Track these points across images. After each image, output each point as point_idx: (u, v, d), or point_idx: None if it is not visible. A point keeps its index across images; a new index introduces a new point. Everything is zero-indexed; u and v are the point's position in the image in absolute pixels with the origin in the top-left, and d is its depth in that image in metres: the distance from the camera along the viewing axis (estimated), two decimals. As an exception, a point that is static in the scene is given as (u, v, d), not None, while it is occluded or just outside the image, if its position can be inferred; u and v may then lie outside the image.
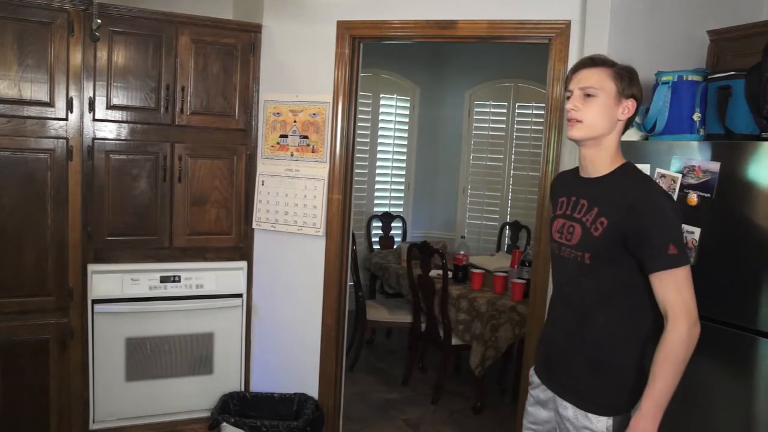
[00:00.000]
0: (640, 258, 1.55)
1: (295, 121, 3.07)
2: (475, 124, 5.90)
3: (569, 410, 1.67)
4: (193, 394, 3.09)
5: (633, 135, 2.38)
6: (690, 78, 2.19)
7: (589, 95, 1.63)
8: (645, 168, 2.17)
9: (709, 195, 1.97)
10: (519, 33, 2.76)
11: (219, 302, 3.09)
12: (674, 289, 1.51)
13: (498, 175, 5.79)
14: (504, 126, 5.76)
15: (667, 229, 1.53)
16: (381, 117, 5.77)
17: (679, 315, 1.50)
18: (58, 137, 2.69)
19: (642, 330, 1.62)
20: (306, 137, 3.06)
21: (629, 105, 1.65)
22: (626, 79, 1.65)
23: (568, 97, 1.68)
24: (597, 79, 1.63)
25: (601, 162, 1.67)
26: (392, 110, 5.84)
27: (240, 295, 3.15)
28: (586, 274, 1.65)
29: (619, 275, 1.60)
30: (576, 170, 1.78)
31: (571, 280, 1.70)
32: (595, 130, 1.64)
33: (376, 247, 5.70)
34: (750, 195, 1.87)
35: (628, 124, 1.69)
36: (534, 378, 1.86)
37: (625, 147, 2.30)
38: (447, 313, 3.74)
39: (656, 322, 1.58)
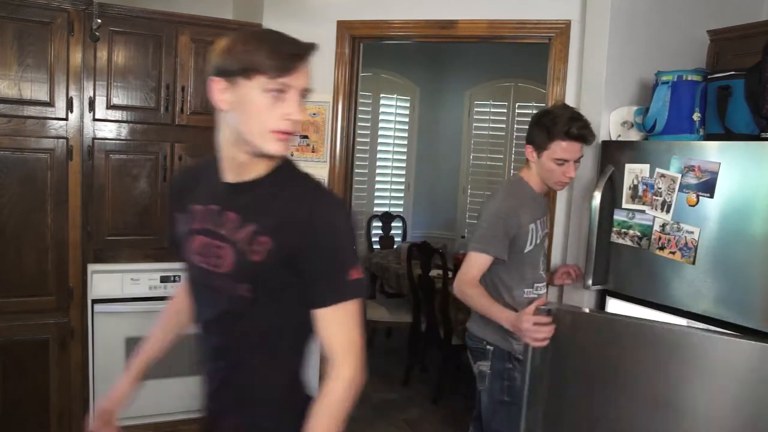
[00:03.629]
0: (311, 287, 1.22)
1: (295, 121, 3.07)
2: (475, 124, 5.90)
3: None
4: (194, 394, 3.08)
5: (633, 135, 2.38)
6: (690, 78, 2.19)
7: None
8: (645, 168, 2.18)
9: (709, 195, 1.97)
10: (519, 33, 2.76)
11: (219, 302, 3.09)
12: (343, 324, 1.23)
13: (498, 175, 5.79)
14: (504, 126, 5.76)
15: (348, 247, 1.24)
16: (381, 117, 5.77)
17: (346, 354, 1.22)
18: (58, 137, 2.69)
19: (300, 379, 1.32)
20: (306, 137, 3.06)
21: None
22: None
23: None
24: None
25: (254, 162, 1.26)
26: (392, 110, 5.85)
27: (240, 295, 3.14)
28: (242, 311, 1.26)
29: (287, 311, 1.26)
30: (209, 168, 1.36)
31: (220, 319, 1.30)
32: None
33: (376, 247, 5.70)
34: (750, 195, 1.87)
35: None
36: None
37: (625, 147, 2.32)
38: (447, 313, 3.74)
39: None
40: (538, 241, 2.14)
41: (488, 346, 2.12)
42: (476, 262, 2.04)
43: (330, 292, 1.22)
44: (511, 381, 2.10)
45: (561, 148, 2.01)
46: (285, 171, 1.28)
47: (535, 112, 2.28)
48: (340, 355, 1.22)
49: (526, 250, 2.10)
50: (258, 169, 1.26)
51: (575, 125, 2.00)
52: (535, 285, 2.16)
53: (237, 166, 1.28)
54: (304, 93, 1.22)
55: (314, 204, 1.21)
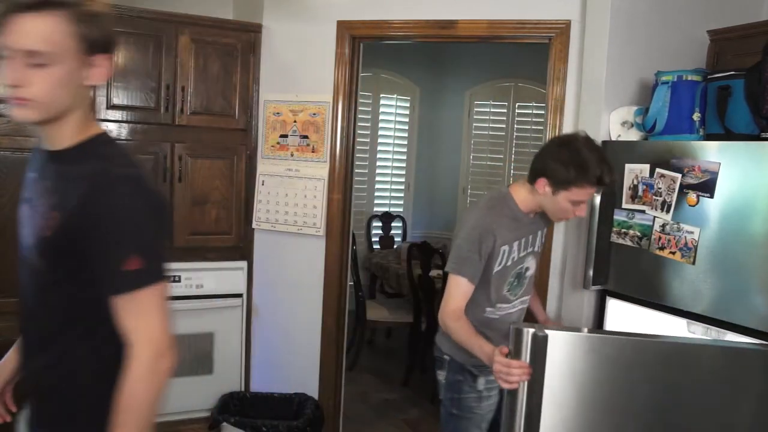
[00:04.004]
0: (95, 272, 1.14)
1: (295, 121, 3.07)
2: (475, 124, 5.90)
3: None
4: (194, 394, 3.09)
5: (633, 135, 2.38)
6: (690, 78, 2.19)
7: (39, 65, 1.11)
8: (645, 168, 2.18)
9: (708, 195, 1.97)
10: (519, 33, 2.76)
11: (219, 302, 3.09)
12: (135, 315, 1.14)
13: (498, 175, 5.79)
14: (504, 126, 5.76)
15: (127, 233, 1.11)
16: (381, 117, 5.77)
17: (140, 344, 1.14)
18: (58, 137, 2.69)
19: (119, 368, 1.17)
20: (306, 137, 3.06)
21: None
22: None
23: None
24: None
25: (47, 130, 1.18)
26: (392, 110, 5.84)
27: (240, 295, 3.15)
28: (43, 288, 1.21)
29: (87, 294, 1.17)
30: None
31: (28, 293, 1.26)
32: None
33: (376, 247, 5.70)
34: (750, 195, 1.87)
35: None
36: None
37: (625, 147, 2.32)
38: (447, 313, 3.74)
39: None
40: (509, 263, 2.00)
41: (445, 356, 2.08)
42: (459, 289, 1.94)
43: (108, 281, 1.12)
44: (460, 394, 2.05)
45: (584, 191, 1.86)
46: (94, 145, 1.19)
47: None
48: (133, 345, 1.14)
49: (494, 271, 1.98)
50: (63, 139, 1.18)
51: (606, 173, 1.84)
52: (498, 305, 2.03)
53: (42, 133, 1.20)
54: (32, 56, 1.06)
55: (102, 182, 1.11)
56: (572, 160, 1.84)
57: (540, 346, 1.50)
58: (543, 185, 1.90)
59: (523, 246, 2.03)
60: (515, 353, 1.54)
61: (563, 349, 1.51)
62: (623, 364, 1.53)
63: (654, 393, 1.52)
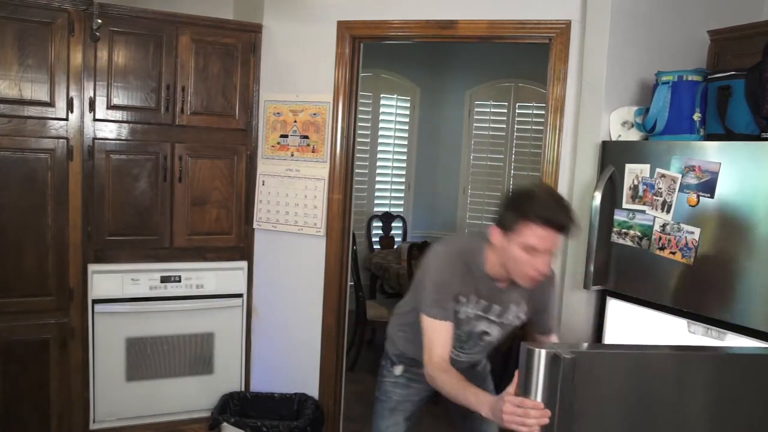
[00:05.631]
0: None
1: (295, 121, 3.07)
2: (475, 124, 5.90)
3: None
4: (194, 394, 3.09)
5: (633, 135, 2.38)
6: (690, 78, 2.19)
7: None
8: (645, 168, 2.18)
9: (709, 195, 1.97)
10: (519, 33, 2.76)
11: (219, 302, 3.09)
12: None
13: (498, 175, 5.79)
14: (504, 126, 5.77)
15: None
16: (381, 117, 5.77)
17: None
18: (58, 137, 2.69)
19: None
20: (306, 137, 3.07)
21: None
22: None
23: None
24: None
25: None
26: (392, 110, 5.84)
27: (240, 295, 3.15)
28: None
29: None
30: None
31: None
32: None
33: (377, 247, 5.70)
34: (750, 195, 1.88)
35: None
36: None
37: (625, 147, 2.32)
38: (447, 313, 3.73)
39: None
40: (462, 316, 1.84)
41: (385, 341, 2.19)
42: (440, 334, 1.75)
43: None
44: (381, 377, 2.14)
45: (534, 233, 1.62)
46: None
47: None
48: None
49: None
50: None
51: (558, 214, 1.63)
52: None
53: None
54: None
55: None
56: (520, 196, 1.71)
57: (567, 371, 1.19)
58: (496, 234, 1.72)
59: (481, 307, 1.86)
60: (526, 382, 1.27)
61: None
62: (665, 380, 1.35)
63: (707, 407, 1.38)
